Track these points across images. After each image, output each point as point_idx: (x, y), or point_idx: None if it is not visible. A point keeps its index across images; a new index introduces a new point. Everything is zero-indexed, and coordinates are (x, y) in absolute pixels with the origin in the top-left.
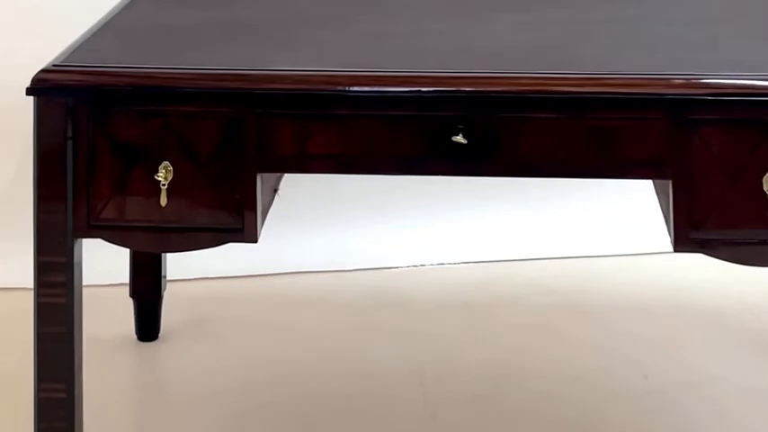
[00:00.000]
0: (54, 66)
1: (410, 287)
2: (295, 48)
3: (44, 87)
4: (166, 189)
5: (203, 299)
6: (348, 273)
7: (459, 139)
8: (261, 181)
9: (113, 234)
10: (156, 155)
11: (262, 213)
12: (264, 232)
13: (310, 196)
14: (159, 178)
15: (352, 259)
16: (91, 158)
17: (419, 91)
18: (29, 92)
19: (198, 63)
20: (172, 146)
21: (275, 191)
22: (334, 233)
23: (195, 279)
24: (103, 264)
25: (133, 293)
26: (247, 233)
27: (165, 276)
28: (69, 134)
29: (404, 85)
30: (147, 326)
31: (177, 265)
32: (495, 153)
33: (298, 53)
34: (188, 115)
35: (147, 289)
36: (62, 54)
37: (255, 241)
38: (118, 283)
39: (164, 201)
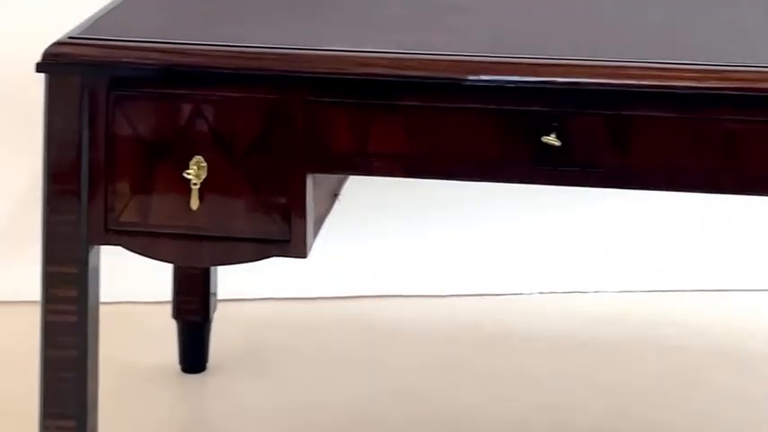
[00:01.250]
0: (69, 38)
1: (515, 318)
2: (353, 24)
3: (57, 63)
4: (198, 189)
5: (262, 323)
6: (437, 299)
7: (552, 140)
8: (312, 183)
9: (135, 241)
10: (186, 147)
11: (315, 222)
12: (332, 246)
13: (387, 200)
14: (189, 176)
15: (442, 283)
16: (110, 149)
17: (503, 80)
18: (39, 68)
19: (238, 39)
20: (205, 137)
21: (335, 196)
22: (420, 250)
23: (252, 299)
24: (142, 276)
25: (176, 314)
26: (295, 246)
27: (215, 294)
28: (85, 120)
29: (485, 72)
30: (193, 354)
31: (230, 281)
32: (595, 159)
33: (357, 30)
34: (225, 101)
35: (192, 310)
36: (81, 25)
37: (304, 256)
38: (161, 300)
39: (195, 203)
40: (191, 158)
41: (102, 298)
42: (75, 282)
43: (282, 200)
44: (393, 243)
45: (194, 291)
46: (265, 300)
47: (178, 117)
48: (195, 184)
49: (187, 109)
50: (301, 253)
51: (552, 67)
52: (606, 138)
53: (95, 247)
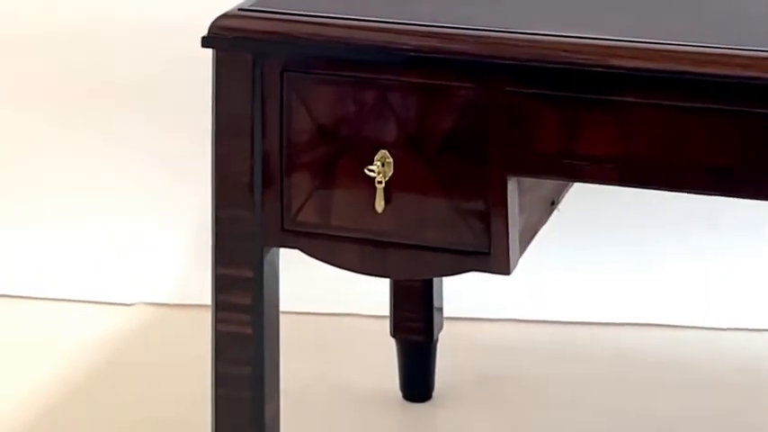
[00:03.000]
0: (240, 9)
1: None
2: (565, 6)
3: (225, 38)
4: (383, 188)
5: (495, 347)
6: (704, 330)
7: None
8: (516, 187)
9: (314, 244)
10: (370, 140)
11: (521, 234)
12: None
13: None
14: (373, 173)
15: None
16: (285, 138)
17: (748, 77)
18: (205, 43)
19: (430, 18)
20: (392, 129)
21: (552, 204)
22: (682, 273)
23: (485, 319)
24: (358, 284)
25: (395, 332)
26: (496, 259)
27: (440, 310)
28: (257, 103)
29: (727, 67)
30: (416, 379)
31: (459, 296)
32: None
33: (568, 14)
34: (413, 88)
35: (413, 328)
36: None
37: (508, 272)
38: (382, 314)
39: (380, 204)
40: (376, 153)
41: (312, 307)
42: (251, 287)
43: (480, 206)
44: (650, 263)
45: (415, 305)
46: (500, 320)
47: (361, 104)
48: (380, 182)
49: (371, 95)
50: (503, 268)
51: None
52: None
53: (273, 248)
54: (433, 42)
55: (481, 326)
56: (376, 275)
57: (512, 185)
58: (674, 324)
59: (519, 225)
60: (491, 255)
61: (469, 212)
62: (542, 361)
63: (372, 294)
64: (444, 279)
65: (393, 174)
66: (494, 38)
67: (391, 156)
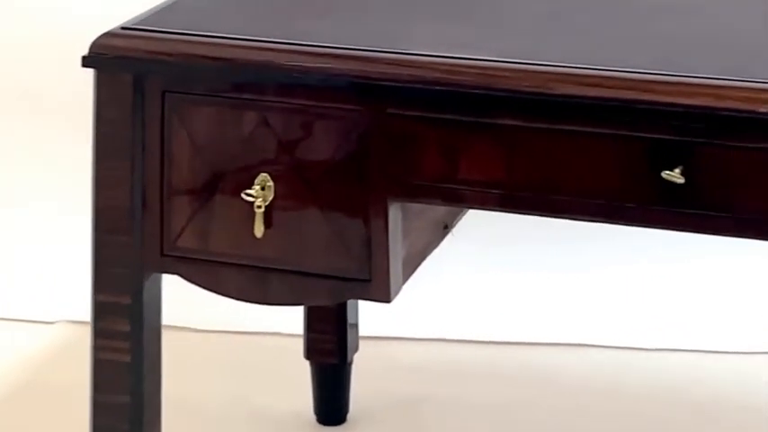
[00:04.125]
0: (122, 28)
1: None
2: (449, 26)
3: (106, 57)
4: (263, 213)
5: (411, 367)
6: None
7: (674, 176)
8: (399, 212)
9: (194, 270)
10: (251, 163)
11: (406, 260)
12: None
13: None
14: (251, 197)
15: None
16: (165, 160)
17: (618, 99)
18: (85, 62)
19: (314, 37)
20: (273, 152)
21: (446, 227)
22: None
23: (401, 338)
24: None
25: (308, 354)
26: (376, 287)
27: (355, 329)
28: (138, 123)
29: (608, 89)
30: (329, 402)
31: (374, 314)
32: (728, 201)
33: (451, 34)
34: (295, 110)
35: (326, 350)
36: (139, 16)
37: (388, 300)
38: (299, 333)
39: (259, 229)
40: (256, 176)
41: (227, 326)
42: (129, 314)
43: (361, 231)
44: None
45: (329, 326)
46: (418, 340)
47: (241, 126)
48: (260, 207)
49: (252, 117)
50: (384, 295)
51: (682, 86)
52: (738, 176)
53: (155, 275)
54: (314, 62)
55: (399, 345)
56: (256, 302)
57: (394, 210)
58: (595, 344)
59: (403, 251)
60: (371, 282)
61: (350, 238)
62: (459, 383)
63: (290, 312)
64: None
65: (274, 198)
66: (374, 58)
67: (272, 179)
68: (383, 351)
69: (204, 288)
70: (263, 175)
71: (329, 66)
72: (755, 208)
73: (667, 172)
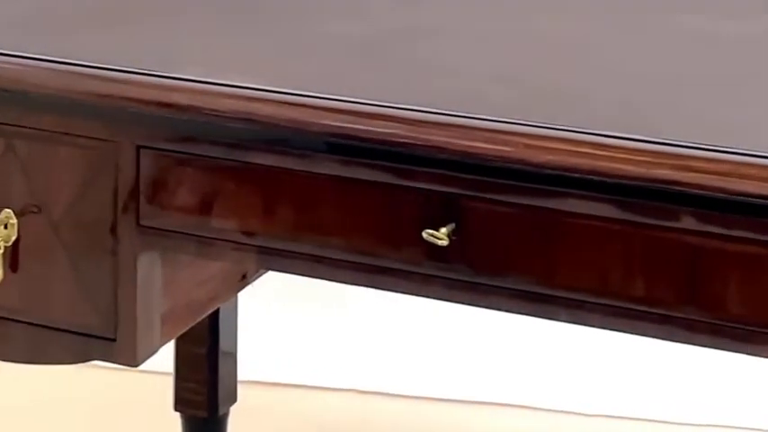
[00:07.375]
0: None
1: None
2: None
3: None
4: (2, 254)
5: (290, 413)
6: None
7: (437, 236)
8: (159, 262)
9: None
10: None
11: (169, 315)
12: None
13: None
14: None
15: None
16: None
17: (383, 140)
18: None
19: (63, 53)
20: (17, 185)
21: (243, 278)
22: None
23: (290, 385)
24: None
25: (177, 405)
26: (120, 348)
27: (231, 378)
28: None
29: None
30: None
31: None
32: (502, 269)
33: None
34: (41, 137)
35: (197, 402)
36: None
37: (134, 363)
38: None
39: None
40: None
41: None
42: None
43: (108, 283)
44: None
45: (199, 374)
46: (305, 387)
47: None
48: (0, 248)
49: None
50: (128, 359)
51: (450, 127)
52: (521, 239)
53: None
54: (59, 82)
55: (282, 393)
56: None
57: (147, 260)
58: (503, 403)
59: (164, 305)
60: (117, 342)
61: (96, 290)
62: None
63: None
64: (241, 341)
65: (17, 238)
66: (117, 80)
67: (15, 216)
68: (269, 399)
69: None
70: (7, 211)
71: (74, 86)
72: (535, 279)
73: (429, 231)
